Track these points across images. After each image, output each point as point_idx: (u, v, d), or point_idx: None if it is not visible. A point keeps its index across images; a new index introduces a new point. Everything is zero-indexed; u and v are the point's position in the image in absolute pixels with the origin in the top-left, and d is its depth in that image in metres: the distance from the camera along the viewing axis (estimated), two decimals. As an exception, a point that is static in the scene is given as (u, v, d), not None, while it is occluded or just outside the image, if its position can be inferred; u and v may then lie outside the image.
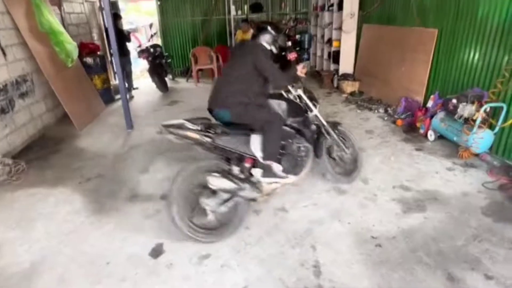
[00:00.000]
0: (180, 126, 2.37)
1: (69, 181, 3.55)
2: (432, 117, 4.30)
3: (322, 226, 2.69)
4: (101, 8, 7.82)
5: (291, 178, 2.78)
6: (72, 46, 5.44)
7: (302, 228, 2.67)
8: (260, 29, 2.86)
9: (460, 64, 4.19)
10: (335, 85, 7.00)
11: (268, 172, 2.65)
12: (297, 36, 8.42)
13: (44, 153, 4.28)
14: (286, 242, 2.52)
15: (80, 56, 5.90)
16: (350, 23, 6.71)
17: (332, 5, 7.26)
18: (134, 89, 7.51)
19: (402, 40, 5.34)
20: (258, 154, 2.60)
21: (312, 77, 8.05)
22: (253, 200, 2.62)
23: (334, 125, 3.23)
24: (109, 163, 3.96)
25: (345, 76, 6.73)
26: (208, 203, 2.47)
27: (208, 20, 8.87)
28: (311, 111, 3.00)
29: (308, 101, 2.97)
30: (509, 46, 3.45)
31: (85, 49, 6.19)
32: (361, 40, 6.68)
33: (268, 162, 2.63)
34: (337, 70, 7.15)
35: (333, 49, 7.33)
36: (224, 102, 2.61)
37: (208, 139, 2.40)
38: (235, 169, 2.58)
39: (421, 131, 4.43)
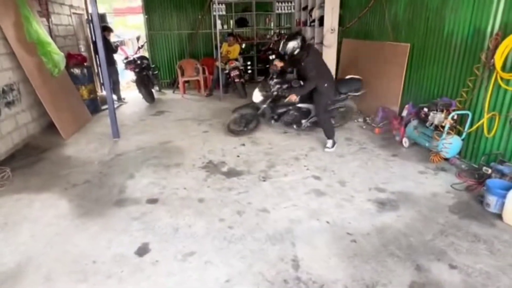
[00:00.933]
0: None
1: (55, 187, 3.60)
2: (406, 125, 4.56)
3: (301, 225, 2.84)
4: (88, 21, 7.95)
5: None
6: (59, 57, 5.54)
7: (283, 227, 2.81)
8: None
9: (430, 75, 4.50)
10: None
11: None
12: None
13: (29, 161, 4.31)
14: (267, 239, 2.65)
15: (67, 66, 5.99)
16: (330, 37, 7.02)
17: (313, 20, 7.60)
18: (122, 99, 7.60)
19: (378, 53, 5.66)
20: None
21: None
22: None
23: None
24: (95, 170, 4.02)
25: (327, 88, 6.99)
26: None
27: (195, 33, 9.11)
28: None
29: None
30: (472, 59, 3.76)
31: (72, 60, 6.28)
32: (341, 53, 7.01)
33: None
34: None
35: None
36: None
37: None
38: None
39: (397, 138, 4.68)
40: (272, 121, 5.05)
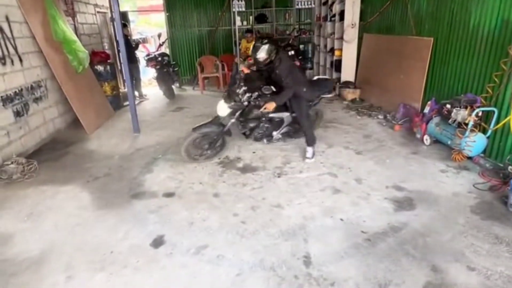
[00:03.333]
0: None
1: (78, 180, 3.74)
2: (428, 122, 4.41)
3: (315, 221, 2.82)
4: (112, 19, 8.18)
5: None
6: (84, 54, 5.74)
7: (296, 223, 2.80)
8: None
9: (454, 70, 4.33)
10: (337, 92, 7.15)
11: None
12: (301, 46, 8.64)
13: (55, 155, 4.50)
14: (280, 235, 2.66)
15: (92, 64, 6.19)
16: (351, 32, 6.90)
17: (334, 15, 7.48)
18: (143, 96, 7.78)
19: (399, 48, 5.51)
20: None
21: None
22: None
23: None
24: (116, 164, 4.15)
25: (347, 84, 6.90)
26: None
27: (214, 30, 9.17)
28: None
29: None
30: (499, 53, 3.58)
31: (96, 57, 6.49)
32: (362, 49, 6.87)
33: None
34: (339, 79, 7.32)
35: (335, 58, 7.52)
36: None
37: None
38: None
39: (418, 135, 4.54)
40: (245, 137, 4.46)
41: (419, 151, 4.18)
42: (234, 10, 8.36)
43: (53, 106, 5.30)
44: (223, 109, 3.97)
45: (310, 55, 8.81)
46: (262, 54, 3.77)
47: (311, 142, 4.06)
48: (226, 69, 8.33)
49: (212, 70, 8.34)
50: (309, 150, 4.05)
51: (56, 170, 4.03)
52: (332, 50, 7.73)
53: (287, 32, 9.21)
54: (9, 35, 4.32)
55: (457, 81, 4.28)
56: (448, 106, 3.99)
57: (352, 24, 6.86)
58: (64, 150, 4.67)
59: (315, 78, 4.84)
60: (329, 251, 2.45)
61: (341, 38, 7.17)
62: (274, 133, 4.37)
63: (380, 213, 2.91)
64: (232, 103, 3.94)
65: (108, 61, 6.78)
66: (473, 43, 3.97)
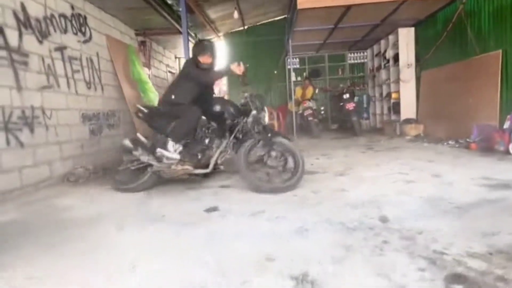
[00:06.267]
0: None
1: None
2: (510, 133, 3.91)
3: (387, 198, 2.43)
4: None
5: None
6: (154, 95, 6.37)
7: (366, 199, 2.43)
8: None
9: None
10: (398, 132, 6.81)
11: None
12: (355, 98, 8.69)
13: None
14: (346, 205, 2.31)
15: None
16: (408, 72, 6.86)
17: (388, 61, 7.60)
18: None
19: (463, 73, 5.27)
20: None
21: (373, 131, 7.99)
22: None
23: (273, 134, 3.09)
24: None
25: (408, 120, 6.58)
26: None
27: (271, 85, 9.80)
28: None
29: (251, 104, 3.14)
30: None
31: (164, 102, 7.15)
32: (421, 87, 6.69)
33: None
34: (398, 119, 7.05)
35: (392, 101, 7.39)
36: None
37: None
38: None
39: (501, 148, 3.99)
40: None
41: (505, 159, 3.62)
42: (289, 67, 8.94)
43: (122, 135, 5.73)
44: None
45: (365, 105, 8.80)
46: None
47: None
48: (281, 118, 8.58)
49: (270, 118, 8.64)
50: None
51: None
52: (388, 94, 7.66)
53: (341, 85, 9.42)
54: (97, 67, 5.03)
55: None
56: (534, 105, 3.54)
57: (408, 64, 6.85)
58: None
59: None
60: (410, 215, 2.03)
61: (397, 82, 7.13)
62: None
63: (469, 193, 2.43)
64: None
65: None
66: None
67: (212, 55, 3.20)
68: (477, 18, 4.98)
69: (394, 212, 2.07)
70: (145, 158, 3.09)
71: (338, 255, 1.51)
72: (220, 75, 3.42)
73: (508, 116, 4.20)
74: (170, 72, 8.83)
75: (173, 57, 9.14)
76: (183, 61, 7.42)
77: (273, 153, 2.95)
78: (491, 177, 2.81)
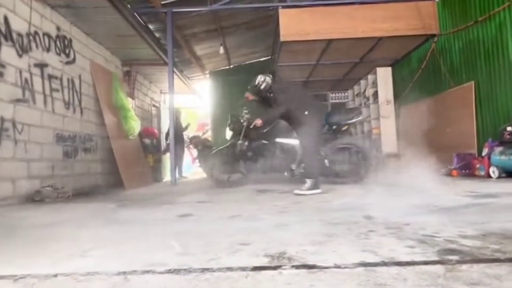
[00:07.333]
0: None
1: (110, 203, 3.54)
2: (489, 157, 3.95)
3: (372, 204, 2.31)
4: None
5: None
6: (135, 123, 6.27)
7: (349, 206, 2.31)
8: None
9: (504, 104, 4.11)
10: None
11: None
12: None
13: (90, 194, 4.43)
14: (329, 210, 2.17)
15: (141, 136, 6.68)
16: (387, 108, 7.05)
17: (368, 99, 7.86)
18: (183, 177, 7.93)
19: (440, 106, 5.46)
20: None
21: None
22: None
23: None
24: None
25: (389, 154, 6.64)
26: None
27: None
28: None
29: None
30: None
31: (147, 133, 7.04)
32: (401, 122, 6.87)
33: None
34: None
35: (373, 137, 7.51)
36: None
37: None
38: None
39: (482, 173, 4.01)
40: None
41: (487, 181, 3.61)
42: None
43: (99, 162, 5.51)
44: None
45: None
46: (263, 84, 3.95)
47: (308, 173, 3.38)
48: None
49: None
50: (307, 181, 3.21)
51: (88, 198, 3.90)
52: (370, 130, 7.80)
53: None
54: (78, 89, 4.96)
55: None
56: (510, 128, 3.63)
57: (387, 101, 7.08)
58: (101, 194, 4.60)
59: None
60: (396, 214, 1.90)
61: (377, 118, 7.31)
62: (293, 166, 4.00)
63: (455, 201, 2.34)
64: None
65: (155, 138, 7.29)
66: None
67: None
68: (449, 54, 5.29)
69: (379, 213, 1.94)
70: None
71: (320, 240, 1.36)
72: None
73: (486, 144, 4.28)
74: (154, 106, 8.82)
75: (159, 92, 9.20)
76: (168, 96, 7.45)
77: None
78: (475, 191, 2.76)
